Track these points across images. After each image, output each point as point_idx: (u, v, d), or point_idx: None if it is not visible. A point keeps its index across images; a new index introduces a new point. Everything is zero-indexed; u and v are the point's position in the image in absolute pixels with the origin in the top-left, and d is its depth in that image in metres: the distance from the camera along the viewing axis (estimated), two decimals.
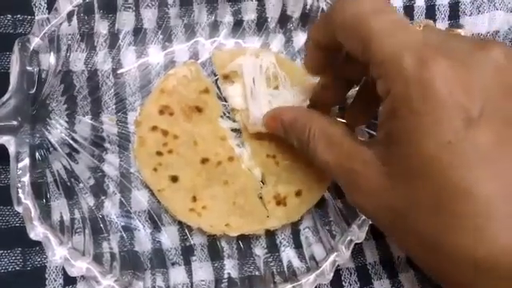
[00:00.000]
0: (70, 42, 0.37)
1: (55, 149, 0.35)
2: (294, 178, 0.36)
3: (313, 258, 0.35)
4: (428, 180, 0.22)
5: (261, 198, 0.36)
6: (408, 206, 0.23)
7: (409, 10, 0.42)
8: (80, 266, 0.31)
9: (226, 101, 0.38)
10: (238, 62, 0.37)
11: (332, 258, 0.33)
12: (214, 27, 0.40)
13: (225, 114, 0.38)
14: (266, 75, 0.37)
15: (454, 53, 0.23)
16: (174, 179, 0.36)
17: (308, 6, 0.39)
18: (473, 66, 0.22)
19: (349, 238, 0.33)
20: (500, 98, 0.22)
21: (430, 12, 0.43)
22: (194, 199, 0.36)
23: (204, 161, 0.37)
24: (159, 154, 0.36)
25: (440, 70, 0.21)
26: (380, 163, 0.24)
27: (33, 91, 0.34)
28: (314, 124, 0.29)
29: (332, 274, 0.33)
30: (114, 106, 0.38)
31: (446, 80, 0.21)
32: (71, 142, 0.36)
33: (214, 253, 0.36)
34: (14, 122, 0.33)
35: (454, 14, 0.43)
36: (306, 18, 0.40)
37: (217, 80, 0.39)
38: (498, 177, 0.21)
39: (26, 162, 0.32)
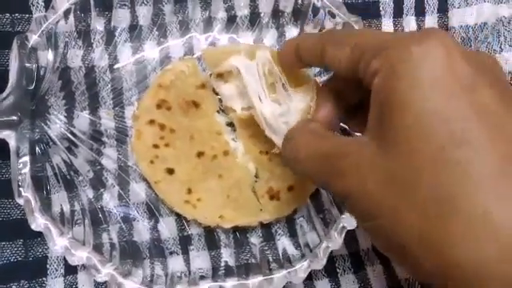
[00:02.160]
0: (67, 39, 0.37)
1: (55, 143, 0.36)
2: (287, 174, 0.37)
3: (307, 245, 0.36)
4: (431, 135, 0.21)
5: (254, 192, 0.37)
6: (409, 170, 0.21)
7: (399, 3, 0.43)
8: (80, 255, 0.32)
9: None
10: (233, 63, 0.36)
11: (325, 244, 0.34)
12: (208, 23, 0.41)
13: (221, 108, 0.39)
14: (262, 71, 0.36)
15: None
16: (170, 172, 0.37)
17: (300, 1, 0.40)
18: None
19: (341, 225, 0.34)
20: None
21: (419, 5, 0.43)
22: (189, 191, 0.36)
23: (200, 154, 0.37)
24: (156, 146, 0.37)
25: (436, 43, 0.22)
26: (374, 143, 0.23)
27: (32, 87, 0.35)
28: (298, 126, 0.30)
29: (325, 260, 0.33)
30: (111, 101, 0.39)
31: (445, 46, 0.22)
32: (70, 136, 0.37)
33: (211, 242, 0.37)
34: (14, 117, 0.33)
35: (443, 6, 0.43)
36: (298, 13, 0.40)
37: (211, 75, 0.39)
38: (497, 128, 0.21)
39: (27, 156, 0.33)
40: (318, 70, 0.41)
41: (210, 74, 0.39)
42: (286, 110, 0.34)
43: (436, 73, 0.21)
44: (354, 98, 0.30)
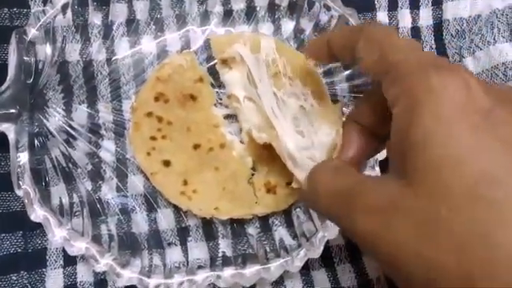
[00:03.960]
0: (65, 33, 0.38)
1: (53, 136, 0.37)
2: (286, 170, 0.37)
3: (304, 234, 0.36)
4: (462, 173, 0.20)
5: (252, 183, 0.37)
6: (443, 211, 0.19)
7: None
8: (79, 246, 0.33)
9: (219, 88, 0.39)
10: (237, 50, 0.37)
11: (321, 233, 0.34)
12: (205, 17, 0.41)
13: (218, 102, 0.40)
14: (266, 61, 0.37)
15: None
16: (167, 163, 0.37)
17: None
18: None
19: None
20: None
21: None
22: (185, 183, 0.37)
23: (196, 147, 0.38)
24: (153, 138, 0.37)
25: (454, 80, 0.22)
26: (399, 181, 0.21)
27: (30, 81, 0.36)
28: (320, 163, 0.28)
29: (322, 249, 0.34)
30: (109, 95, 0.39)
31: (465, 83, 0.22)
32: (69, 129, 0.37)
33: (209, 233, 0.37)
34: (13, 110, 0.34)
35: None
36: (293, 6, 0.41)
37: (212, 66, 0.40)
38: None
39: (26, 148, 0.34)
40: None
41: (210, 66, 0.40)
42: (310, 143, 0.33)
43: (457, 106, 0.21)
44: (383, 131, 0.28)
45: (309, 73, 0.37)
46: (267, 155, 0.37)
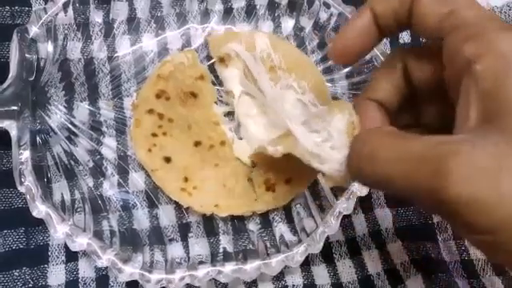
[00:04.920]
0: (66, 31, 0.38)
1: (55, 133, 0.37)
2: (286, 166, 0.36)
3: (304, 230, 0.36)
4: None
5: (251, 180, 0.38)
6: None
7: None
8: (81, 242, 0.33)
9: (220, 86, 0.40)
10: (234, 49, 0.38)
11: (321, 229, 0.34)
12: (205, 15, 0.41)
13: (219, 99, 0.40)
14: (261, 57, 0.37)
15: None
16: (168, 160, 0.37)
17: None
18: None
19: (337, 211, 0.35)
20: None
21: None
22: (186, 180, 0.37)
23: (197, 144, 0.38)
24: (154, 135, 0.37)
25: None
26: (492, 141, 0.20)
27: (32, 78, 0.36)
28: (371, 131, 0.25)
29: (322, 244, 0.34)
30: (110, 92, 0.40)
31: None
32: (70, 126, 0.38)
33: (210, 229, 0.37)
34: (15, 108, 0.34)
35: None
36: (293, 4, 0.41)
37: (213, 64, 0.40)
38: None
39: (28, 145, 0.34)
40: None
41: (211, 63, 0.40)
42: (327, 135, 0.30)
43: None
44: (394, 103, 0.27)
45: (306, 65, 0.37)
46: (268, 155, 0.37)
